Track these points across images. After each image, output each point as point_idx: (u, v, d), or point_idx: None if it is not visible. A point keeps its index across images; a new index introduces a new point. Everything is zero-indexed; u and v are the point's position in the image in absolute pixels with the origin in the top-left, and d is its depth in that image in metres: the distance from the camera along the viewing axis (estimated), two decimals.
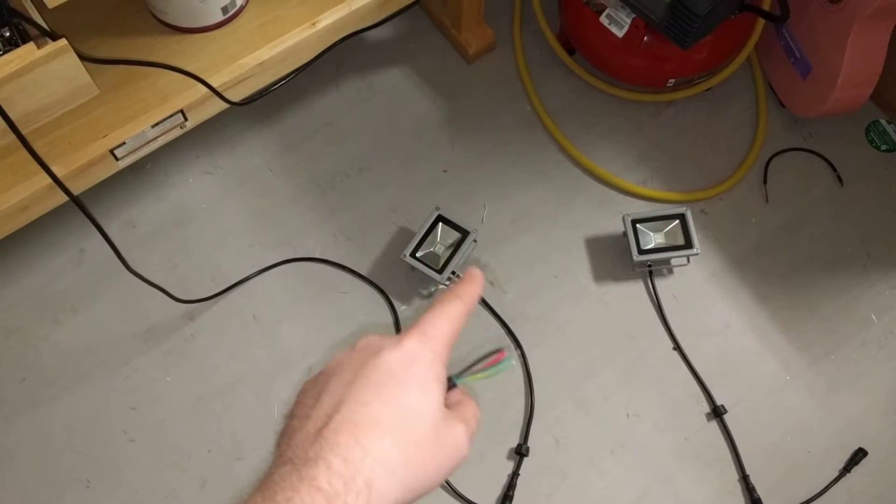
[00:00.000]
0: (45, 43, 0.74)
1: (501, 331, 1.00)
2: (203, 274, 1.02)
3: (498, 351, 0.44)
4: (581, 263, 1.04)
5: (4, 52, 0.75)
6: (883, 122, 1.11)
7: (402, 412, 0.37)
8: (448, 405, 0.41)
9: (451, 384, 0.42)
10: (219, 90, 0.89)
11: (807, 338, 1.00)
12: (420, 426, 0.38)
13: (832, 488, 0.93)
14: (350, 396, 0.37)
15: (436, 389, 0.39)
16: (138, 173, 1.07)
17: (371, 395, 0.37)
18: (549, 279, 1.03)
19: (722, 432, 0.96)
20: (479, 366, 0.43)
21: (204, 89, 0.88)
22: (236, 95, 0.92)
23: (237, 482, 0.92)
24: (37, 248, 1.03)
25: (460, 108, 1.13)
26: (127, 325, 1.00)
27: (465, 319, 0.43)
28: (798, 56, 1.04)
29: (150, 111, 0.88)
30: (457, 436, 0.39)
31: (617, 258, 1.04)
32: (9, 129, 0.65)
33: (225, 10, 0.91)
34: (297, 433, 0.37)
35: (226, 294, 1.01)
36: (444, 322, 0.42)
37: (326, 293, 1.02)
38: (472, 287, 0.45)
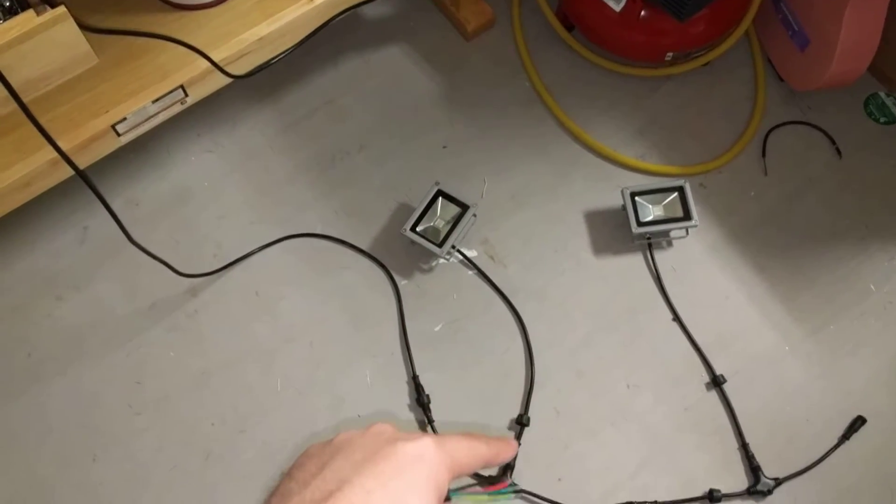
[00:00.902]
0: (45, 10, 0.75)
1: (503, 305, 1.01)
2: (205, 251, 1.03)
3: (500, 481, 0.44)
4: (580, 237, 1.05)
5: (4, 20, 0.76)
6: (882, 94, 1.11)
7: None
8: None
9: (447, 498, 0.41)
10: (222, 66, 0.89)
11: (806, 308, 1.01)
12: None
13: (831, 455, 0.93)
14: (356, 479, 0.37)
15: (437, 497, 0.38)
16: (140, 152, 1.08)
17: (376, 485, 0.37)
18: (549, 253, 1.04)
19: (721, 402, 0.96)
20: (480, 488, 0.43)
21: (204, 65, 0.89)
22: (235, 71, 0.92)
23: (240, 454, 0.94)
24: (40, 227, 1.04)
25: (459, 84, 1.14)
26: (131, 301, 1.01)
27: (481, 463, 0.43)
28: (796, 29, 1.05)
29: (151, 87, 0.88)
30: None
31: (616, 232, 1.04)
32: (10, 98, 0.65)
33: None
34: (292, 497, 0.37)
35: (228, 270, 1.02)
36: (465, 449, 0.41)
37: (328, 268, 1.03)
38: (503, 447, 0.44)
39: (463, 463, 0.41)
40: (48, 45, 0.80)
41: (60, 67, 0.85)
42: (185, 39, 0.89)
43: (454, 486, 0.41)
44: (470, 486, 0.43)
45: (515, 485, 0.44)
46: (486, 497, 0.42)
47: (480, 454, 0.42)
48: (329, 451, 0.39)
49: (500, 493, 0.43)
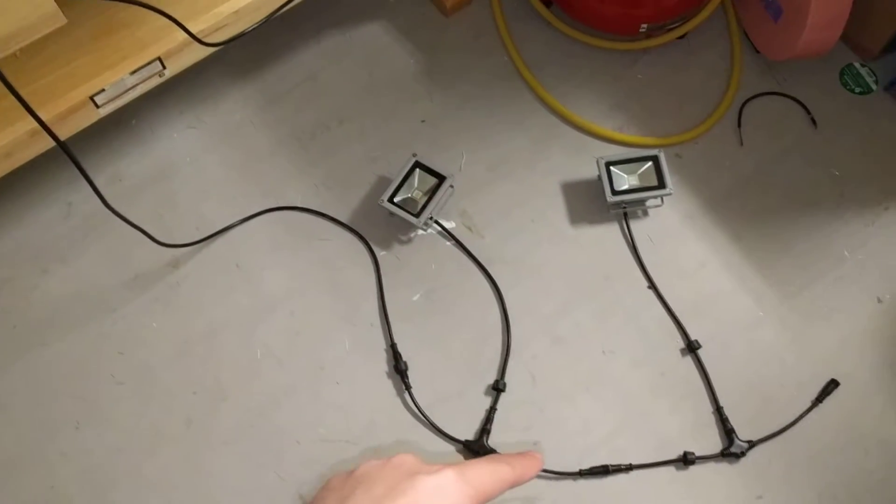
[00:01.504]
0: None
1: (480, 274, 1.02)
2: (188, 224, 1.05)
3: None
4: (557, 208, 1.06)
5: None
6: (857, 65, 1.12)
7: None
8: None
9: None
10: (202, 38, 0.91)
11: (781, 275, 1.02)
12: None
13: (804, 418, 0.94)
14: None
15: None
16: (123, 129, 1.10)
17: None
18: (526, 223, 1.05)
19: (696, 367, 0.97)
20: None
21: (181, 37, 0.91)
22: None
23: (221, 421, 0.95)
24: (25, 203, 1.06)
25: (438, 60, 1.15)
26: (114, 274, 1.03)
27: (506, 487, 0.42)
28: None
29: (129, 58, 0.90)
30: None
31: (593, 202, 1.06)
32: None
33: None
34: None
35: (209, 243, 1.04)
36: (487, 477, 0.41)
37: (308, 240, 1.04)
38: (529, 464, 0.44)
39: (487, 491, 0.41)
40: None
41: (29, 26, 0.85)
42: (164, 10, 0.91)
43: None
44: None
45: None
46: None
47: (504, 478, 0.41)
48: (350, 484, 0.39)
49: None
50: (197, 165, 1.09)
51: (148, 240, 0.95)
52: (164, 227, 1.04)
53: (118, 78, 0.89)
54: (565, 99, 1.11)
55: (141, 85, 0.93)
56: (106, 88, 0.89)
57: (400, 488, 0.37)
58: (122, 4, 0.91)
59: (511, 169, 1.08)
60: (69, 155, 0.80)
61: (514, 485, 0.42)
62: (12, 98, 0.73)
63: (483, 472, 0.41)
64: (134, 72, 0.90)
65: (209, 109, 1.11)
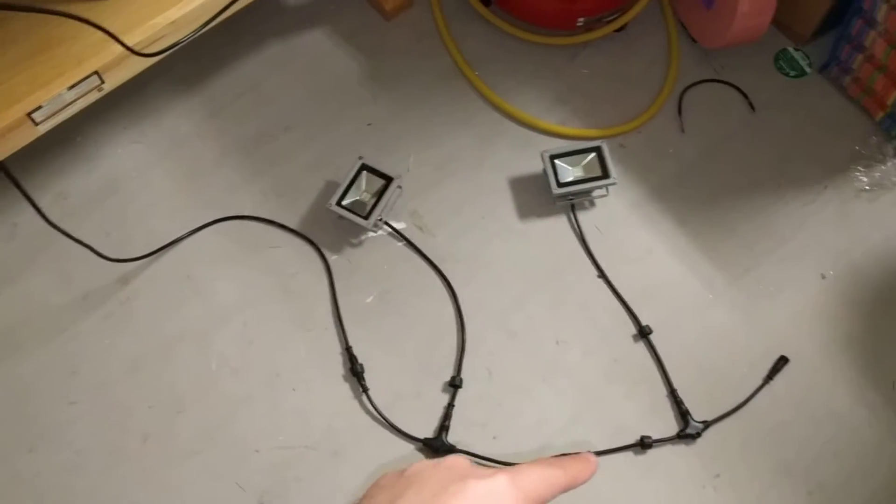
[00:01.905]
0: None
1: (432, 273, 1.03)
2: (136, 239, 1.04)
3: None
4: (506, 203, 1.07)
5: None
6: (790, 49, 1.15)
7: None
8: None
9: None
10: (135, 49, 0.91)
11: (727, 258, 1.04)
12: None
13: (757, 395, 0.96)
14: None
15: None
16: (68, 146, 1.09)
17: None
18: (476, 220, 1.06)
19: (649, 352, 0.99)
20: None
21: (118, 50, 0.90)
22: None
23: (178, 434, 0.94)
24: None
25: (381, 64, 1.16)
26: (64, 293, 1.02)
27: (559, 492, 0.41)
28: None
29: (66, 74, 0.89)
30: None
31: (540, 196, 1.07)
32: None
33: None
34: None
35: (159, 256, 1.03)
36: (540, 482, 0.40)
37: (258, 249, 1.04)
38: (581, 468, 0.43)
39: (540, 496, 0.40)
40: None
41: None
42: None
43: None
44: None
45: None
46: None
47: (557, 483, 0.41)
48: (401, 484, 0.38)
49: None
50: (143, 180, 1.08)
51: (96, 257, 0.95)
52: (113, 242, 1.04)
53: (56, 93, 0.89)
54: (509, 96, 1.12)
55: (80, 100, 0.92)
56: (44, 105, 0.89)
57: (451, 490, 0.36)
58: (57, 20, 0.90)
59: (459, 167, 1.09)
60: (6, 173, 0.80)
61: (567, 489, 0.41)
62: None
63: (536, 476, 0.40)
64: (72, 87, 0.89)
65: (153, 123, 1.11)
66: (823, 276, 1.02)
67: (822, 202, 1.07)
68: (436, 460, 0.39)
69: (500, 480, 0.38)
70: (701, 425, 0.95)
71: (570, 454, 0.44)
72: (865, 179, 1.06)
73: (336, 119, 1.12)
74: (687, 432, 0.95)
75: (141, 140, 1.10)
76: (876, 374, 0.97)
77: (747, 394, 0.96)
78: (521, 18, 1.13)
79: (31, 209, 0.83)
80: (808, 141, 1.10)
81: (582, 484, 0.43)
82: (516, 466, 0.40)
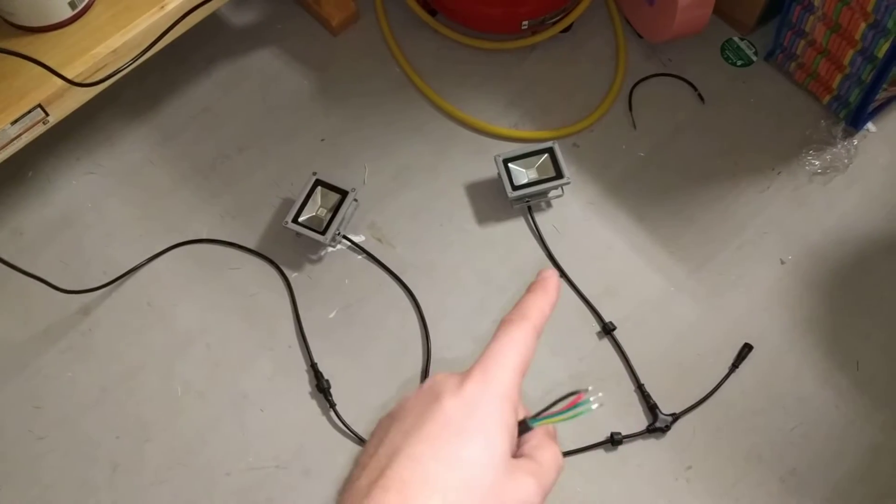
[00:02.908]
0: None
1: (394, 284, 1.03)
2: (94, 269, 1.03)
3: (576, 393, 0.38)
4: (464, 209, 1.07)
5: None
6: (736, 39, 1.16)
7: (456, 468, 0.34)
8: (523, 451, 0.37)
9: (526, 427, 0.38)
10: (75, 81, 0.90)
11: (686, 249, 1.04)
12: (477, 483, 0.34)
13: (724, 385, 0.96)
14: (404, 449, 0.34)
15: (500, 439, 0.35)
16: (21, 182, 1.09)
17: (424, 448, 0.34)
18: (435, 228, 1.06)
19: (614, 348, 0.99)
20: (557, 407, 0.39)
21: (59, 82, 0.90)
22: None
23: (147, 462, 0.94)
24: None
25: (331, 79, 1.16)
26: (23, 328, 1.01)
27: (534, 342, 0.39)
28: None
29: (8, 108, 0.89)
30: (523, 491, 0.35)
31: (497, 200, 1.07)
32: None
33: (73, 4, 0.93)
34: (353, 484, 0.35)
35: (118, 285, 1.03)
36: (511, 353, 0.38)
37: (218, 271, 1.04)
38: (542, 299, 0.41)
39: (517, 367, 0.38)
40: None
41: None
42: (38, 59, 0.90)
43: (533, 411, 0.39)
44: (546, 408, 0.38)
45: (592, 393, 0.37)
46: (565, 415, 0.38)
47: (525, 337, 0.39)
48: (386, 423, 0.36)
49: (578, 407, 0.38)
50: (99, 210, 1.07)
51: (54, 290, 0.94)
52: (71, 274, 1.03)
53: None
54: (460, 103, 1.13)
55: (25, 134, 0.92)
56: None
57: (427, 414, 0.35)
58: None
59: (414, 176, 1.09)
60: None
61: (540, 332, 0.40)
62: None
63: (503, 352, 0.38)
64: (15, 121, 0.89)
65: (106, 153, 1.11)
66: (783, 261, 1.03)
67: (777, 188, 1.07)
68: (421, 385, 0.37)
69: (471, 387, 0.36)
70: (670, 418, 0.95)
71: (528, 292, 0.40)
72: (817, 163, 1.07)
73: (289, 136, 1.12)
74: (656, 426, 0.95)
75: (95, 170, 1.09)
76: (840, 355, 0.98)
77: (714, 383, 0.97)
78: (467, 25, 1.13)
79: None
80: (759, 128, 1.11)
81: (551, 310, 0.40)
82: (482, 357, 0.38)
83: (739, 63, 1.14)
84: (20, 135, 0.91)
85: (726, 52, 1.15)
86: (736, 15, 1.15)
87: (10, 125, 0.89)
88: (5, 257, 0.86)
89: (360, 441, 0.94)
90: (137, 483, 0.93)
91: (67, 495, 0.93)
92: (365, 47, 1.18)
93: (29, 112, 0.90)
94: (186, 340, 1.00)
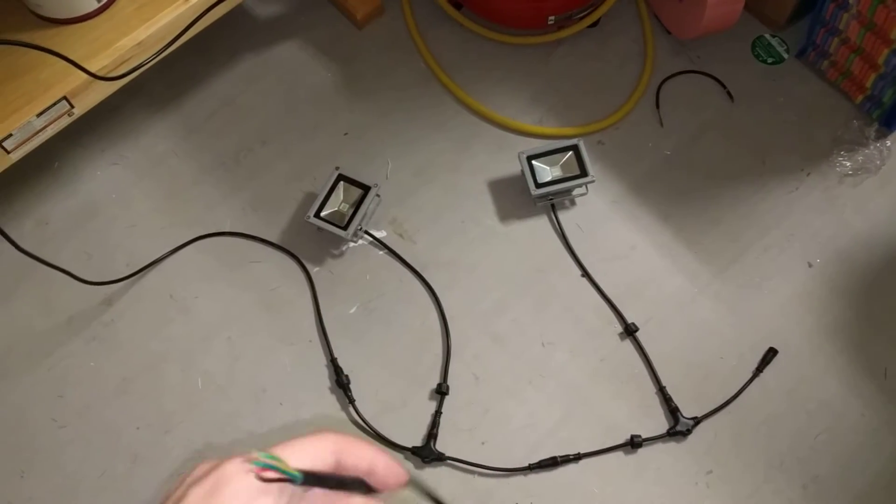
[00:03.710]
0: None
1: (415, 280, 1.02)
2: (118, 260, 1.04)
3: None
4: (486, 206, 1.06)
5: None
6: (767, 36, 1.13)
7: None
8: None
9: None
10: (99, 74, 0.91)
11: (711, 250, 1.03)
12: None
13: (747, 389, 0.95)
14: None
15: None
16: (46, 173, 1.09)
17: None
18: (457, 224, 1.05)
19: (636, 349, 0.98)
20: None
21: (84, 75, 0.90)
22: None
23: (167, 453, 0.94)
24: None
25: (356, 73, 1.16)
26: (48, 318, 1.02)
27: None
28: None
29: (34, 101, 0.89)
30: None
31: (520, 197, 1.06)
32: None
33: None
34: None
35: (141, 277, 1.03)
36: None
37: (240, 264, 1.04)
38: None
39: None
40: None
41: None
42: (64, 52, 0.90)
43: None
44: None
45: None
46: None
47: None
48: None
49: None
50: (123, 201, 1.08)
51: (78, 281, 0.95)
52: (94, 265, 1.04)
53: (25, 121, 0.89)
54: (484, 98, 1.12)
55: (51, 126, 0.92)
56: (14, 133, 0.89)
57: None
58: (22, 49, 0.91)
59: (437, 172, 1.08)
60: None
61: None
62: None
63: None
64: (41, 113, 0.90)
65: (131, 144, 1.11)
66: (810, 265, 1.01)
67: (806, 189, 1.05)
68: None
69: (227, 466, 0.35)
70: (691, 422, 0.94)
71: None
72: (848, 164, 1.05)
73: (313, 130, 1.12)
74: (677, 429, 0.94)
75: (119, 162, 1.10)
76: (867, 362, 0.96)
77: (737, 387, 0.95)
78: (493, 20, 1.12)
79: (13, 235, 0.83)
80: (789, 127, 1.09)
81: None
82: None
83: (770, 60, 1.12)
84: (46, 126, 0.92)
85: (757, 49, 1.13)
86: (767, 11, 1.12)
87: (35, 117, 0.90)
88: (30, 248, 0.87)
89: (379, 437, 0.94)
90: (157, 474, 0.94)
91: (88, 484, 0.94)
92: (389, 41, 1.17)
93: (54, 104, 0.90)
94: (208, 333, 1.00)
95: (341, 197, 1.03)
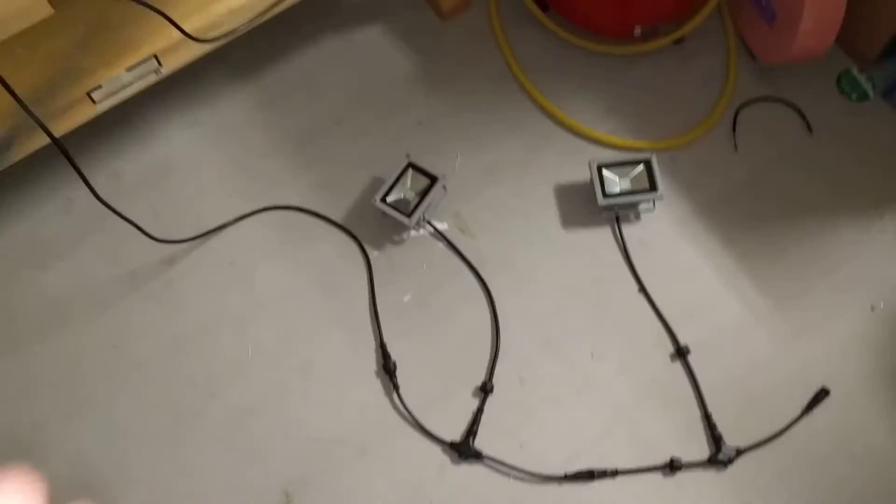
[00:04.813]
0: None
1: (471, 276, 1.02)
2: (184, 221, 1.06)
3: None
4: (550, 210, 1.06)
5: None
6: (854, 70, 1.11)
7: None
8: None
9: None
10: (193, 35, 0.92)
11: (773, 282, 1.01)
12: None
13: (794, 427, 0.94)
14: None
15: None
16: (124, 127, 1.12)
17: None
18: (519, 225, 1.05)
19: (685, 372, 0.97)
20: None
21: (176, 35, 0.92)
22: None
23: (210, 416, 0.96)
24: (26, 198, 1.08)
25: (435, 63, 1.16)
26: (111, 270, 1.04)
27: None
28: (764, 3, 1.05)
29: (125, 56, 0.92)
30: None
31: (585, 206, 1.06)
32: None
33: None
34: None
35: (205, 241, 1.05)
36: None
37: (302, 240, 1.05)
38: None
39: None
40: None
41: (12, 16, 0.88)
42: (162, 10, 0.92)
43: None
44: None
45: None
46: None
47: None
48: None
49: None
50: (195, 164, 1.10)
51: (144, 237, 0.97)
52: (161, 223, 1.05)
53: (115, 74, 0.91)
54: (560, 101, 1.11)
55: (138, 82, 0.94)
56: (102, 84, 0.91)
57: None
58: (118, 5, 0.93)
59: (505, 171, 1.08)
60: (61, 149, 0.82)
61: None
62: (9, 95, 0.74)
63: None
64: (130, 68, 0.91)
65: (208, 109, 1.13)
66: (873, 308, 0.99)
67: (878, 231, 1.03)
68: None
69: None
70: (734, 452, 0.93)
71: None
72: None
73: (386, 116, 1.12)
74: (718, 458, 0.93)
75: (195, 125, 1.12)
76: None
77: (784, 423, 0.94)
78: (578, 25, 1.12)
79: (86, 186, 0.85)
80: (867, 167, 1.07)
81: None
82: None
83: (854, 96, 1.10)
84: (133, 82, 0.94)
85: (842, 83, 1.11)
86: (858, 44, 1.10)
87: (125, 72, 0.92)
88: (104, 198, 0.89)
89: (420, 427, 0.94)
90: (197, 435, 0.95)
91: (131, 436, 0.96)
92: (472, 35, 1.17)
93: (144, 61, 0.92)
94: (263, 304, 1.02)
95: (408, 185, 1.03)
